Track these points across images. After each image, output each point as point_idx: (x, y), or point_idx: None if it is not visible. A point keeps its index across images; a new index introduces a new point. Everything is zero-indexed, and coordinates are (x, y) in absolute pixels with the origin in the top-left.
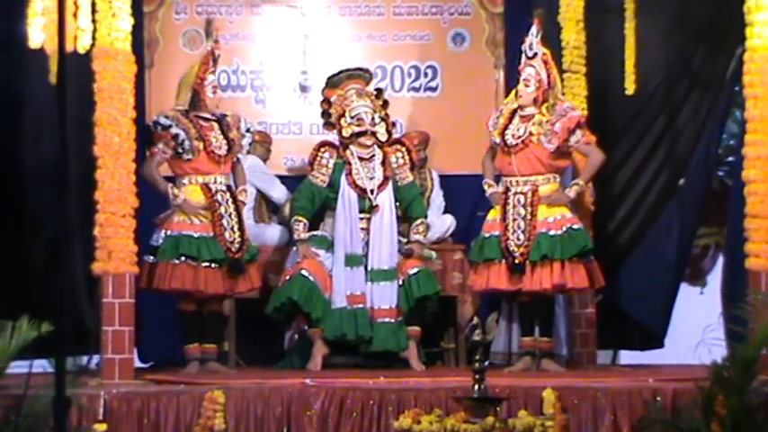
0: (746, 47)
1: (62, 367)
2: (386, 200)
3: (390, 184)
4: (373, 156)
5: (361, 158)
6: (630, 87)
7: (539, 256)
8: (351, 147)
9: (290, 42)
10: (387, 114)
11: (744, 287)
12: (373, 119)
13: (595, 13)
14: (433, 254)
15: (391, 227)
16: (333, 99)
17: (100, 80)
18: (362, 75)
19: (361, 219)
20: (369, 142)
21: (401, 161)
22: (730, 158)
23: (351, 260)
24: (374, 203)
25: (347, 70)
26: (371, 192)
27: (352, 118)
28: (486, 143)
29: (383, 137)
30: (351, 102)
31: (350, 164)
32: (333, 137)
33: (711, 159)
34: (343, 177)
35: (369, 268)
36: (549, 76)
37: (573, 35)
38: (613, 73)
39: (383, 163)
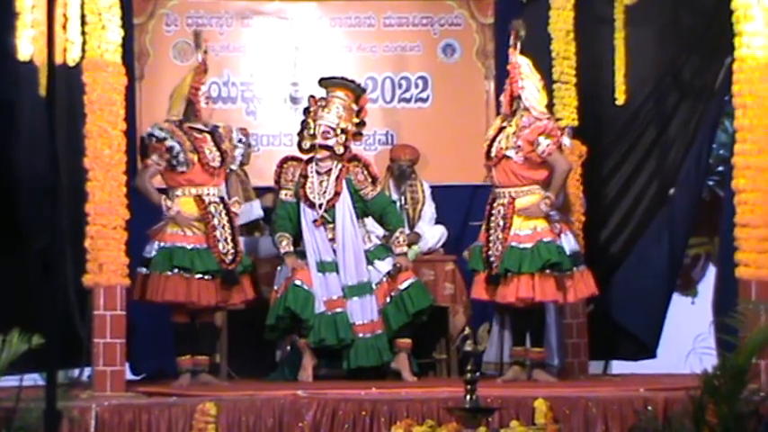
0: (735, 57)
1: (53, 380)
2: (344, 214)
3: (344, 198)
4: (330, 170)
5: (318, 173)
6: (621, 97)
7: (503, 269)
8: (313, 161)
9: (281, 54)
10: (357, 131)
11: (735, 296)
12: (329, 132)
13: (585, 23)
14: (417, 249)
15: (354, 241)
16: (312, 109)
17: (90, 92)
18: (349, 85)
19: (329, 230)
20: (319, 156)
21: (361, 177)
22: (721, 168)
23: (322, 267)
24: (319, 216)
25: (340, 78)
26: (320, 206)
27: (313, 131)
28: (476, 153)
29: (339, 150)
30: (317, 115)
31: (306, 177)
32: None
33: (702, 169)
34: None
35: (342, 285)
36: (511, 85)
37: (563, 46)
38: (603, 83)
39: (338, 177)
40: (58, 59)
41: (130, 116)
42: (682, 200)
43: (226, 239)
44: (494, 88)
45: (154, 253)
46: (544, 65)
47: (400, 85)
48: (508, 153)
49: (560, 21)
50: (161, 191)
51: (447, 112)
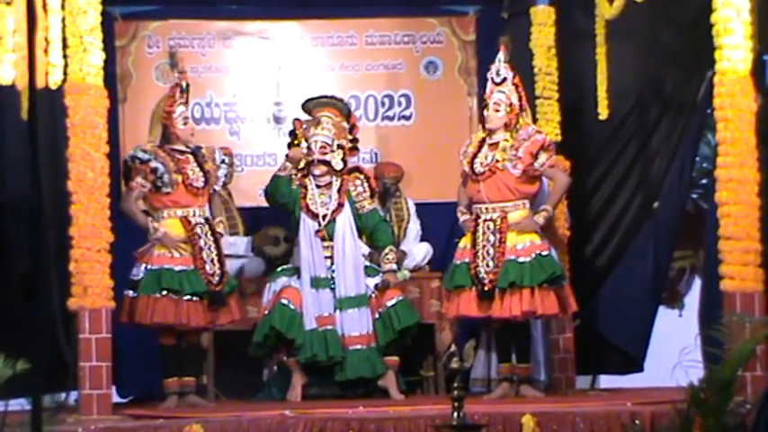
0: (716, 70)
1: (39, 404)
2: (345, 227)
3: (346, 210)
4: (330, 183)
5: (318, 185)
6: (603, 112)
7: (506, 283)
8: (309, 174)
9: (263, 74)
10: (353, 146)
11: (720, 309)
12: (326, 147)
13: (567, 39)
14: (407, 273)
15: (354, 253)
16: (298, 131)
17: (72, 115)
18: (337, 104)
19: (325, 247)
20: (317, 171)
21: (360, 189)
22: (704, 181)
23: (316, 282)
24: (321, 227)
25: (324, 97)
26: (323, 217)
27: (306, 148)
28: (460, 170)
29: (338, 165)
30: (310, 131)
31: (306, 189)
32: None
33: (685, 182)
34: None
35: (337, 296)
36: (520, 100)
37: (545, 61)
38: (586, 98)
39: (339, 190)
40: (41, 83)
41: (113, 138)
42: (666, 213)
43: (212, 260)
44: (476, 105)
45: (141, 275)
46: (526, 81)
47: (383, 104)
48: (507, 165)
49: (542, 37)
50: (145, 213)
51: (430, 129)
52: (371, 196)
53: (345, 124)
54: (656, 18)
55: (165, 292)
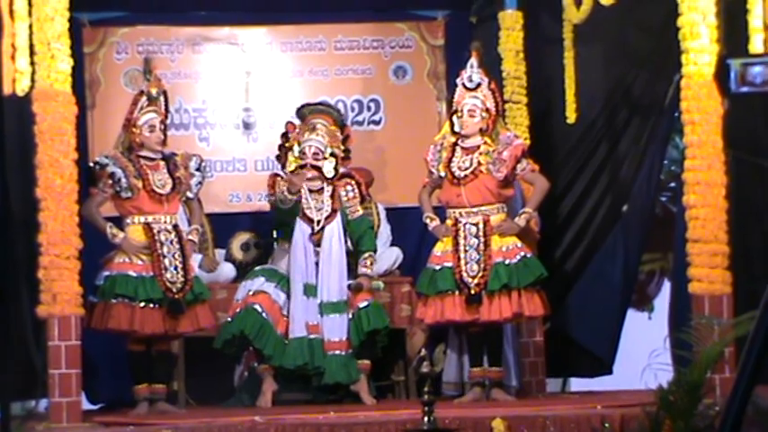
0: (683, 74)
1: (8, 412)
2: (334, 233)
3: (338, 216)
4: (322, 189)
5: (310, 190)
6: (571, 116)
7: (499, 285)
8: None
9: (233, 80)
10: (345, 155)
11: (690, 312)
12: (319, 153)
13: (535, 43)
14: (381, 284)
15: (340, 260)
16: (291, 134)
17: (40, 122)
18: (332, 113)
19: (314, 252)
20: (309, 175)
21: (351, 194)
22: (672, 184)
23: (308, 290)
24: (316, 231)
25: (321, 104)
26: (318, 222)
27: (299, 152)
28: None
29: (329, 173)
30: (304, 135)
31: (300, 194)
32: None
33: (654, 185)
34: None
35: (319, 301)
36: (497, 105)
37: (513, 66)
38: (554, 102)
39: (332, 196)
40: (8, 90)
41: (82, 145)
42: (635, 216)
43: (175, 268)
44: (446, 109)
45: (102, 281)
46: (495, 85)
47: (353, 109)
48: (490, 168)
49: (510, 41)
50: (115, 219)
51: (400, 134)
52: (361, 202)
53: (339, 134)
54: (624, 22)
55: (119, 299)
